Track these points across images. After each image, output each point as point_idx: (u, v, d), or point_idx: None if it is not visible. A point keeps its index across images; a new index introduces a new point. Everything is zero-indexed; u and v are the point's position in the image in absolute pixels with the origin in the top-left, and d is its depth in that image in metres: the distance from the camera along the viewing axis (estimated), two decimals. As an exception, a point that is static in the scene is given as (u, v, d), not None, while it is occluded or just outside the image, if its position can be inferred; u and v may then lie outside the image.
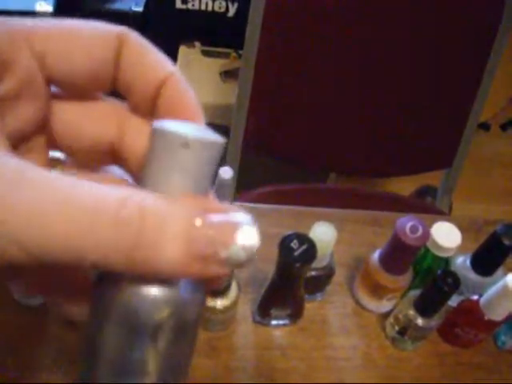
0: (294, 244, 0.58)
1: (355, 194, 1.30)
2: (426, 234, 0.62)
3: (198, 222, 0.19)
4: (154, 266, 0.19)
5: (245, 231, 0.20)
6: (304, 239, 0.58)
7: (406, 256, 0.64)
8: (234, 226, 0.20)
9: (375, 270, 0.67)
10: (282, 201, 0.87)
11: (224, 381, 0.64)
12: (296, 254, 0.57)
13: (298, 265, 0.57)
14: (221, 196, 0.65)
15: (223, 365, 0.65)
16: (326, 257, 0.64)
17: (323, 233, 0.62)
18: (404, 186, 1.74)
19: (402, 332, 0.67)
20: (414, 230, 0.62)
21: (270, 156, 1.31)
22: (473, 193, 1.76)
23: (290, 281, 0.61)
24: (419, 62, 1.13)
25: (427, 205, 1.46)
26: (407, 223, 0.62)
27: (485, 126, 1.94)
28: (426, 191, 1.70)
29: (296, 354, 0.67)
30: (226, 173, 0.63)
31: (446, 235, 0.66)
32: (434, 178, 1.41)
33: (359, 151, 1.26)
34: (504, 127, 1.99)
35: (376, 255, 0.68)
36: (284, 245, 0.58)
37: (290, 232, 0.59)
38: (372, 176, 1.59)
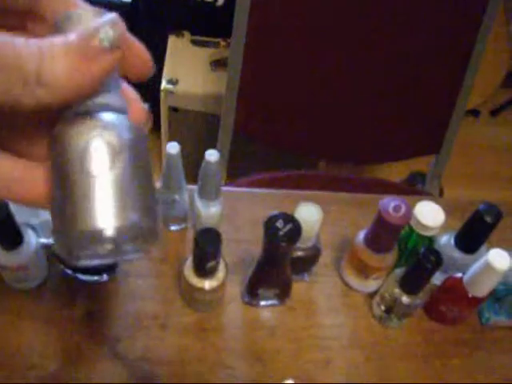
0: (280, 223, 0.59)
1: (345, 180, 1.31)
2: (409, 213, 0.63)
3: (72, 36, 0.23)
4: (53, 83, 0.22)
5: (106, 17, 0.24)
6: (289, 219, 0.59)
7: (389, 235, 0.65)
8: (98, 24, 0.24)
9: (360, 250, 0.68)
10: (274, 187, 0.88)
11: (212, 361, 0.65)
12: (281, 233, 0.58)
13: (283, 244, 0.58)
14: (209, 180, 0.66)
15: (212, 345, 0.67)
16: (311, 237, 0.65)
17: (308, 213, 0.63)
18: (395, 173, 1.75)
19: (388, 310, 0.68)
20: (397, 209, 0.63)
21: (260, 143, 1.32)
22: (464, 179, 1.78)
23: (277, 260, 0.62)
24: (406, 47, 1.14)
25: (417, 190, 1.47)
26: (390, 203, 0.63)
27: (475, 113, 1.95)
28: (416, 178, 1.71)
29: (284, 333, 0.69)
30: (213, 156, 0.64)
31: (429, 214, 0.67)
32: (424, 165, 1.42)
33: (348, 138, 1.27)
34: (494, 113, 2.00)
35: (361, 235, 0.69)
36: (269, 224, 0.59)
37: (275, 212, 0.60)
38: (361, 163, 1.60)
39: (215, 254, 0.60)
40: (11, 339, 0.65)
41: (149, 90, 1.85)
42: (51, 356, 0.64)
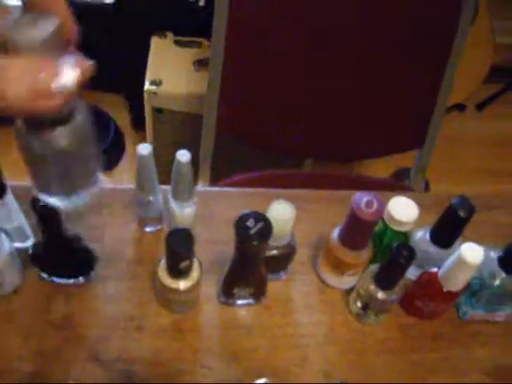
0: (250, 222, 0.59)
1: (328, 177, 1.31)
2: (381, 209, 0.63)
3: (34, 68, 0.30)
4: (5, 104, 0.29)
5: (68, 67, 0.31)
6: (260, 218, 0.59)
7: (363, 231, 0.65)
8: (59, 66, 0.31)
9: (335, 247, 0.68)
10: (256, 187, 0.88)
11: (189, 361, 0.65)
12: (252, 232, 0.58)
13: (254, 243, 0.58)
14: (181, 180, 0.66)
15: (188, 346, 0.66)
16: (285, 235, 0.65)
17: (280, 211, 0.63)
18: (381, 169, 1.76)
19: (365, 307, 0.68)
20: (369, 204, 0.63)
21: (243, 143, 1.32)
22: (450, 173, 1.78)
23: (249, 259, 0.62)
24: (387, 43, 1.14)
25: (400, 185, 1.47)
26: (362, 199, 0.63)
27: (460, 107, 1.96)
28: (402, 174, 1.71)
29: (260, 332, 0.69)
30: (184, 156, 0.63)
31: (403, 210, 0.67)
32: (407, 161, 1.42)
33: (331, 136, 1.27)
34: (480, 107, 2.00)
35: (335, 232, 0.69)
36: (240, 224, 0.58)
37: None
38: (346, 160, 1.60)
39: (187, 254, 0.60)
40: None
41: (133, 91, 1.85)
42: (29, 359, 0.64)
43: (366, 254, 0.68)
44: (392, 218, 0.67)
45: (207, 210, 0.76)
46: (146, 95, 1.53)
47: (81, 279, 0.70)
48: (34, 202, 0.57)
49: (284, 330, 0.69)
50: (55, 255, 0.66)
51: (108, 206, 0.76)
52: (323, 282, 0.73)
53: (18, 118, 0.36)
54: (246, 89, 1.19)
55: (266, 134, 1.26)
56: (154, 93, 1.52)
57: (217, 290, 0.71)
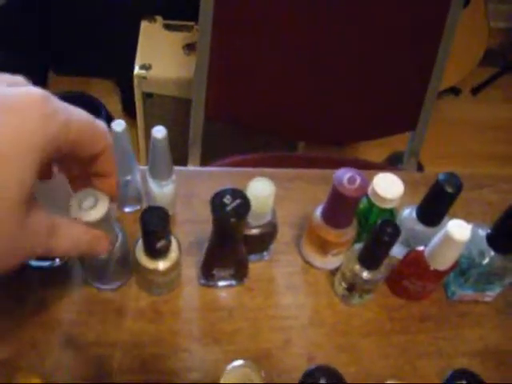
0: (227, 199, 0.56)
1: (320, 160, 1.29)
2: (365, 185, 0.61)
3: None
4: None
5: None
6: (237, 194, 0.57)
7: (345, 208, 0.63)
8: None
9: (318, 225, 0.66)
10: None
11: (169, 345, 0.63)
12: (229, 208, 0.56)
13: (232, 220, 0.56)
14: (158, 158, 0.64)
15: (167, 328, 0.65)
16: (266, 213, 0.63)
17: (260, 188, 0.60)
18: (375, 154, 1.73)
19: (350, 288, 0.66)
20: (351, 181, 0.61)
21: (234, 127, 1.30)
22: (445, 157, 1.76)
23: (227, 238, 0.60)
24: (379, 24, 1.12)
25: (392, 168, 1.45)
26: (345, 175, 0.61)
27: (455, 91, 1.93)
28: (396, 159, 1.69)
29: (242, 314, 0.67)
30: (159, 132, 0.61)
31: (388, 187, 0.65)
32: (402, 145, 1.40)
33: (324, 118, 1.25)
34: (475, 91, 1.98)
35: (318, 210, 0.66)
36: (216, 200, 0.56)
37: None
38: (339, 143, 1.58)
39: (163, 232, 0.58)
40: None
41: (123, 76, 1.83)
42: (3, 344, 0.62)
43: (349, 232, 0.66)
44: (377, 195, 0.64)
45: (187, 190, 0.74)
46: (135, 80, 1.51)
47: (57, 261, 0.67)
48: None
49: (266, 311, 0.67)
50: None
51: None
52: (307, 262, 0.71)
53: None
54: (235, 71, 1.16)
55: (256, 116, 1.24)
56: (144, 77, 1.50)
57: (196, 272, 0.68)
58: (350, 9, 1.08)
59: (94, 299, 0.66)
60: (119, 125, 0.62)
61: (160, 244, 0.59)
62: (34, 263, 0.67)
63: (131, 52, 1.58)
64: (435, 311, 0.70)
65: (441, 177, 0.64)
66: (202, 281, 0.67)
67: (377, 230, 0.59)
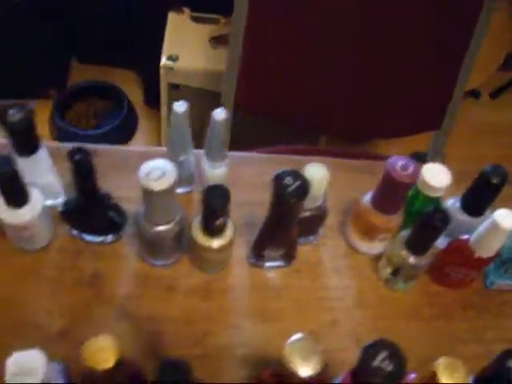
0: (288, 180, 0.58)
1: (348, 155, 1.31)
2: (417, 172, 0.63)
3: None
4: None
5: None
6: (297, 176, 0.59)
7: (397, 194, 0.65)
8: None
9: (367, 211, 0.68)
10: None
11: (219, 321, 0.65)
12: (290, 189, 0.58)
13: (292, 200, 0.58)
14: (216, 139, 0.66)
15: (218, 306, 0.67)
16: (319, 197, 0.65)
17: (315, 172, 0.62)
18: (393, 152, 1.75)
19: (395, 272, 0.68)
20: (404, 167, 0.63)
21: (260, 119, 1.32)
22: (462, 160, 1.77)
23: (284, 219, 0.62)
24: (409, 23, 1.13)
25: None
26: (398, 161, 0.63)
27: (474, 94, 1.95)
28: (417, 158, 1.71)
29: (290, 294, 0.69)
30: (220, 114, 0.63)
31: (436, 175, 0.67)
32: (422, 145, 1.42)
33: (350, 113, 1.27)
34: (493, 95, 2.00)
35: (367, 196, 0.69)
36: (278, 181, 0.58)
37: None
38: (363, 138, 1.60)
39: (224, 210, 0.60)
40: (18, 298, 0.65)
41: (147, 67, 1.84)
42: (59, 315, 0.64)
43: (397, 218, 0.68)
44: (425, 183, 0.66)
45: (236, 174, 0.76)
46: (162, 70, 1.53)
47: (109, 237, 0.69)
48: (72, 151, 0.57)
49: (313, 293, 0.69)
50: (87, 211, 0.66)
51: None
52: (352, 247, 0.73)
53: None
54: (266, 65, 1.18)
55: (283, 109, 1.25)
56: (171, 68, 1.51)
57: (246, 252, 0.70)
58: (379, 7, 1.10)
59: (147, 275, 0.68)
60: (181, 106, 0.64)
61: (219, 222, 0.61)
62: (88, 237, 0.69)
63: (156, 43, 1.59)
64: (475, 299, 0.72)
65: (486, 168, 0.66)
66: (252, 260, 0.69)
67: (428, 216, 0.61)
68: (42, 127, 1.72)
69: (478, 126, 1.88)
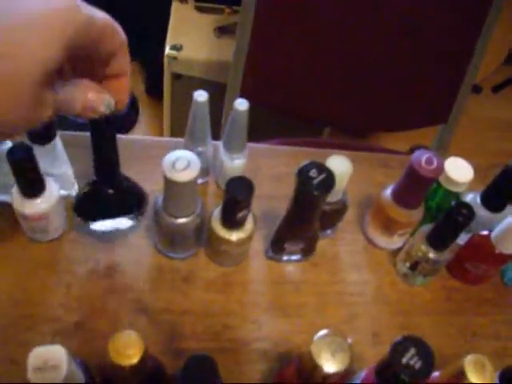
0: (313, 173, 0.57)
1: (354, 148, 1.30)
2: (441, 167, 0.62)
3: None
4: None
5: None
6: (322, 168, 0.58)
7: (420, 189, 0.64)
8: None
9: (388, 205, 0.67)
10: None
11: (238, 315, 0.64)
12: (315, 182, 0.57)
13: (316, 193, 0.57)
14: (237, 130, 0.65)
15: (237, 299, 0.66)
16: (340, 190, 0.64)
17: (338, 164, 0.61)
18: (397, 146, 1.74)
19: (413, 267, 0.68)
20: (429, 162, 0.62)
21: (264, 110, 1.30)
22: (464, 154, 1.77)
23: (307, 211, 0.61)
24: (419, 17, 1.13)
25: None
26: (423, 155, 0.62)
27: (476, 89, 1.95)
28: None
29: (308, 288, 0.68)
30: (242, 105, 0.62)
31: (458, 170, 0.66)
32: (426, 139, 1.42)
33: (357, 106, 1.26)
34: (495, 90, 2.00)
35: (388, 191, 0.68)
36: (303, 173, 0.57)
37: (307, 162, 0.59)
38: (369, 131, 1.59)
39: (247, 203, 0.59)
40: (32, 290, 0.63)
41: (148, 57, 1.81)
42: (73, 308, 0.63)
43: (418, 213, 0.67)
44: (447, 178, 0.66)
45: (253, 166, 0.75)
46: (166, 60, 1.51)
47: (129, 221, 0.67)
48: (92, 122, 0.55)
49: (332, 287, 0.68)
50: (106, 194, 0.64)
51: (155, 157, 0.73)
52: (370, 242, 0.72)
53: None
54: (272, 58, 1.17)
55: (288, 101, 1.24)
56: (175, 58, 1.49)
57: (264, 245, 0.69)
58: (389, 2, 1.09)
59: (163, 267, 0.67)
60: (201, 95, 0.62)
61: (241, 214, 0.60)
62: (103, 227, 0.67)
63: (158, 33, 1.57)
64: (493, 295, 0.72)
65: (510, 163, 0.65)
66: (270, 254, 0.68)
67: (452, 211, 0.60)
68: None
69: (480, 121, 1.88)
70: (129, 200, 0.65)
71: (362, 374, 0.57)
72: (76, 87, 0.40)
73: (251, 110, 0.91)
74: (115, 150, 0.58)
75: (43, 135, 0.62)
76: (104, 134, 0.56)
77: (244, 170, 0.70)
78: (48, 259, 0.66)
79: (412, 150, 1.81)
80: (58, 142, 0.64)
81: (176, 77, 1.55)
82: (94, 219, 0.66)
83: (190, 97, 1.66)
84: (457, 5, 1.13)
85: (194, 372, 0.48)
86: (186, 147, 0.68)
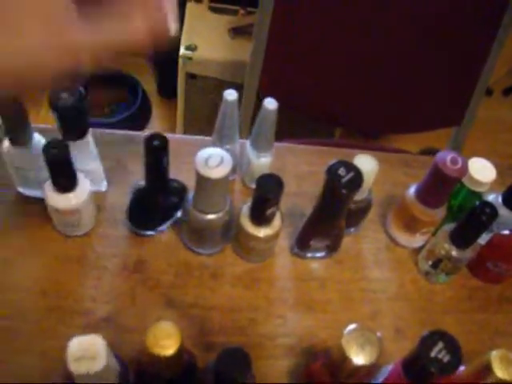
0: (342, 171, 0.59)
1: (367, 149, 1.31)
2: (466, 167, 0.64)
3: None
4: None
5: None
6: (351, 167, 0.59)
7: (444, 188, 0.65)
8: None
9: (412, 204, 0.68)
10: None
11: (265, 311, 0.66)
12: (344, 180, 0.58)
13: (345, 191, 0.58)
14: (265, 128, 0.66)
15: (263, 295, 0.67)
16: (366, 189, 0.65)
17: (365, 163, 0.63)
18: (406, 147, 1.76)
19: (435, 265, 0.69)
20: (454, 162, 0.63)
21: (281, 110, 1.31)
22: (470, 155, 1.78)
23: (335, 209, 0.62)
24: (434, 18, 1.14)
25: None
26: (447, 155, 0.64)
27: (487, 91, 1.96)
28: (430, 153, 1.71)
29: (332, 285, 0.69)
30: (271, 104, 0.63)
31: (480, 170, 0.67)
32: (434, 141, 1.43)
33: (369, 108, 1.27)
34: (506, 92, 2.01)
35: (412, 189, 0.69)
36: (332, 172, 0.58)
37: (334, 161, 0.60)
38: (382, 132, 1.60)
39: (276, 200, 0.60)
40: (63, 284, 0.64)
41: (161, 57, 1.82)
42: (103, 302, 0.64)
43: (441, 212, 0.68)
44: (471, 178, 0.67)
45: (278, 164, 0.76)
46: (180, 60, 1.52)
47: (161, 228, 0.69)
48: (149, 138, 0.57)
49: (355, 284, 0.69)
50: (158, 202, 0.66)
51: (182, 154, 0.74)
52: (392, 240, 0.74)
53: None
54: (289, 58, 1.18)
55: (304, 101, 1.26)
56: (189, 58, 1.51)
57: (289, 242, 0.71)
58: (405, 4, 1.10)
59: (191, 262, 0.68)
60: (231, 94, 0.64)
61: (270, 211, 0.61)
62: (149, 232, 0.69)
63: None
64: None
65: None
66: (296, 251, 0.70)
67: (476, 210, 0.61)
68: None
69: (491, 123, 1.89)
70: (176, 202, 0.67)
71: (387, 369, 0.58)
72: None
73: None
74: (168, 160, 0.61)
75: (77, 131, 0.64)
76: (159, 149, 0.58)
77: (270, 167, 0.71)
78: (78, 253, 0.67)
79: (422, 153, 1.82)
80: (89, 138, 0.65)
81: (190, 76, 1.57)
82: (148, 228, 0.67)
83: (204, 96, 1.69)
84: (472, 7, 1.14)
85: (228, 364, 0.49)
86: (213, 145, 0.69)
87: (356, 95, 1.24)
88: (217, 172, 0.55)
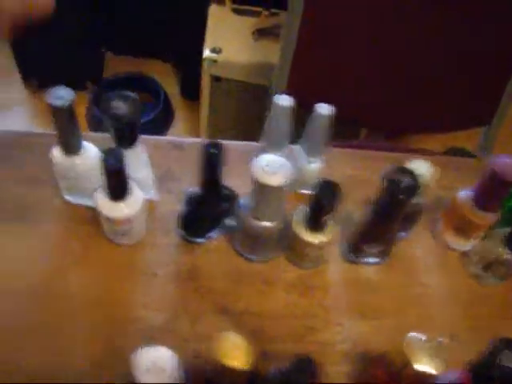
0: (399, 177, 0.58)
1: (397, 150, 1.31)
2: (523, 170, 0.63)
3: None
4: None
5: None
6: (407, 172, 0.59)
7: (500, 192, 0.65)
8: None
9: (466, 208, 0.68)
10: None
11: (321, 318, 0.65)
12: (402, 185, 0.58)
13: (402, 197, 0.58)
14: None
15: (317, 302, 0.66)
16: (420, 194, 0.65)
17: (419, 168, 0.62)
18: (431, 147, 1.74)
19: (487, 268, 0.68)
20: (510, 165, 0.62)
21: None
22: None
23: (391, 214, 0.61)
24: (465, 18, 1.13)
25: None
26: (503, 160, 0.63)
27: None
28: (454, 153, 1.70)
29: (385, 290, 0.69)
30: (324, 109, 0.63)
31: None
32: (460, 141, 1.42)
33: (398, 108, 1.27)
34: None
35: (464, 193, 0.68)
36: (389, 177, 0.58)
37: (393, 167, 0.59)
38: (412, 131, 1.59)
39: (332, 207, 0.59)
40: (112, 291, 0.64)
41: (184, 58, 1.83)
42: (157, 310, 0.64)
43: (495, 216, 0.68)
44: (525, 181, 0.66)
45: (327, 169, 0.75)
46: (205, 63, 1.52)
47: (210, 235, 0.69)
48: (206, 146, 0.57)
49: (408, 289, 0.69)
50: (211, 209, 0.66)
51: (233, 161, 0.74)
52: (443, 243, 0.73)
53: None
54: (317, 59, 1.18)
55: (331, 102, 1.25)
56: (214, 60, 1.51)
57: (340, 248, 0.70)
58: (436, 5, 1.10)
59: (243, 269, 0.68)
60: (286, 100, 0.63)
61: (326, 218, 0.61)
62: (192, 238, 0.69)
63: (195, 34, 1.59)
64: None
65: None
66: (349, 256, 0.69)
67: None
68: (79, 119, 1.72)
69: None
70: (226, 209, 0.67)
71: (448, 374, 0.57)
72: None
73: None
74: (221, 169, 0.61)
75: (129, 138, 0.63)
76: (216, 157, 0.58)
77: (320, 173, 0.71)
78: (130, 262, 0.67)
79: (446, 153, 1.81)
80: (140, 145, 0.65)
81: (215, 79, 1.57)
82: (198, 235, 0.67)
83: (229, 99, 1.69)
84: (504, 5, 1.13)
85: (297, 373, 0.49)
86: (263, 150, 0.69)
87: (385, 96, 1.24)
88: (276, 179, 0.55)
